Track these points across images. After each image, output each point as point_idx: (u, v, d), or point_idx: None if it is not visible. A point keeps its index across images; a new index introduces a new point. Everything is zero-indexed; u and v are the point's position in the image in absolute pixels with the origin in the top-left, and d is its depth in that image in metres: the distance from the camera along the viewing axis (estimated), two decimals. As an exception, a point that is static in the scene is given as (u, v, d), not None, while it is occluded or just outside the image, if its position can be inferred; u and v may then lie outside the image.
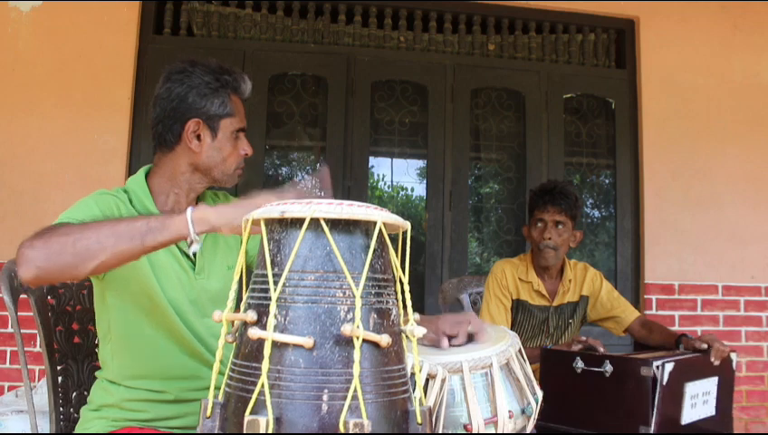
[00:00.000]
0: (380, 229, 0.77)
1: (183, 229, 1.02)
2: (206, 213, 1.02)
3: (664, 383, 1.58)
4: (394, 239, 0.82)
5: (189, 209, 1.03)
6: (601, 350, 1.82)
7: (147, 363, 1.31)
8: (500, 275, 2.25)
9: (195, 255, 1.34)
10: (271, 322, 0.72)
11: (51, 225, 1.13)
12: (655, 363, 1.60)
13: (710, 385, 1.80)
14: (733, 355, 1.90)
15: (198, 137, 1.33)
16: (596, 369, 1.70)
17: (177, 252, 1.32)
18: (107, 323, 1.33)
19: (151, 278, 1.27)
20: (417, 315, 0.82)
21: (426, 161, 3.36)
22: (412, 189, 3.47)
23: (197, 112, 1.31)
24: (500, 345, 1.10)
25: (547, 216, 2.18)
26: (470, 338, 1.18)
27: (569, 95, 3.48)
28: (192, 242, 1.03)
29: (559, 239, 2.19)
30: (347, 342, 0.72)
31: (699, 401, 1.74)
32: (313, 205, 0.75)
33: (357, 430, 0.67)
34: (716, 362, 1.84)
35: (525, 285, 2.25)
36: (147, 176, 1.38)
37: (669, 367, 1.60)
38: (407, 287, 0.81)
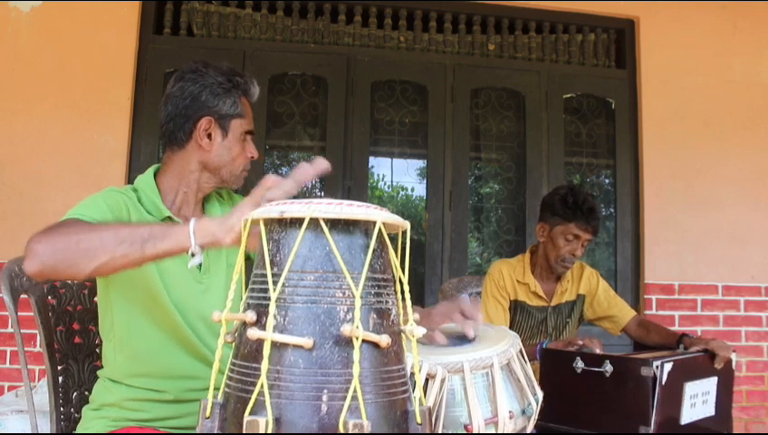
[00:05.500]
0: (380, 229, 0.76)
1: (184, 240, 1.00)
2: (210, 225, 1.00)
3: (663, 383, 1.58)
4: (394, 239, 0.81)
5: (192, 221, 1.01)
6: (597, 350, 1.81)
7: (148, 362, 1.31)
8: (497, 277, 2.25)
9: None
10: (270, 322, 0.72)
11: (61, 220, 1.14)
12: (654, 363, 1.60)
13: (710, 385, 1.80)
14: (733, 355, 1.90)
15: (209, 136, 1.35)
16: (596, 369, 1.70)
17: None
18: (110, 321, 1.33)
19: (155, 276, 1.27)
20: (416, 316, 0.81)
21: (426, 161, 3.36)
22: (412, 189, 3.47)
23: (210, 111, 1.34)
24: (501, 345, 1.10)
25: (585, 235, 2.17)
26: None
27: (569, 95, 3.48)
28: (193, 254, 1.01)
29: (581, 253, 2.20)
30: (346, 342, 0.72)
31: (699, 400, 1.74)
32: (313, 205, 0.75)
33: (356, 431, 0.67)
34: (719, 367, 1.84)
35: (522, 286, 2.25)
36: (156, 175, 1.39)
37: (668, 367, 1.60)
38: (407, 287, 0.81)
